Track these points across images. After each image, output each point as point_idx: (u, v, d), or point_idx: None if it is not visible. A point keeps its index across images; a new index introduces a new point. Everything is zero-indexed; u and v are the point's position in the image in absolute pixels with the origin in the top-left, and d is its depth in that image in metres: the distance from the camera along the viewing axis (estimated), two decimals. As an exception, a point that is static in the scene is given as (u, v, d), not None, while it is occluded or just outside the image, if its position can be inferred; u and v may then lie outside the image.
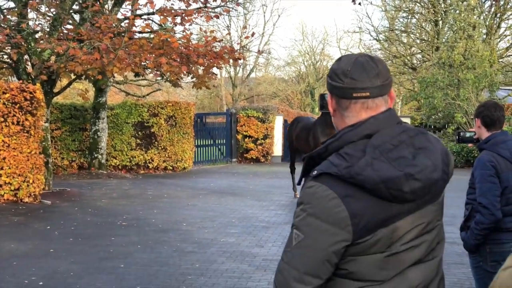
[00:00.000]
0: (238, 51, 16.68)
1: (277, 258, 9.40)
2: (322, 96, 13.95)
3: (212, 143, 27.65)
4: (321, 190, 2.13)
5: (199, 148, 26.51)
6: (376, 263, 2.15)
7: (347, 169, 2.10)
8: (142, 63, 15.63)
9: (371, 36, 43.85)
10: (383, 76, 2.25)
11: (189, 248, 10.14)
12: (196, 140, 25.27)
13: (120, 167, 22.81)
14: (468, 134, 5.42)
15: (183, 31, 16.47)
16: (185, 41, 16.18)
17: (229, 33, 24.20)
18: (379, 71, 2.24)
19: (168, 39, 15.61)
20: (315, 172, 2.18)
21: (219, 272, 8.64)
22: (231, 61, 16.81)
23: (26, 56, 16.35)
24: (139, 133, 22.88)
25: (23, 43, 15.47)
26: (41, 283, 8.01)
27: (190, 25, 16.59)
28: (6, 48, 16.20)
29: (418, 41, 36.37)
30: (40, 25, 16.71)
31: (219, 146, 27.90)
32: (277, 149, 28.42)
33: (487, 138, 4.95)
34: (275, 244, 10.46)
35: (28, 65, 16.72)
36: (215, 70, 17.42)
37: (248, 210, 14.02)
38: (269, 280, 8.22)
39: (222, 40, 17.38)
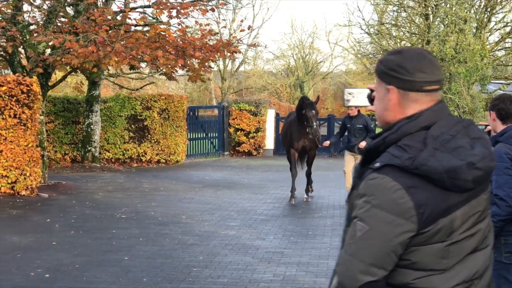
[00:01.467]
0: (234, 44, 16.68)
1: (280, 250, 9.48)
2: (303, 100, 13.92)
3: (204, 136, 27.62)
4: (385, 182, 2.16)
5: (191, 142, 26.48)
6: (438, 253, 2.19)
7: (409, 160, 2.15)
8: (138, 56, 15.59)
9: (362, 29, 43.84)
10: (441, 69, 2.35)
11: (191, 240, 10.18)
12: (188, 133, 25.25)
13: (113, 160, 22.78)
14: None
15: (179, 24, 16.44)
16: (181, 34, 16.16)
17: (224, 26, 24.08)
18: (439, 65, 2.33)
19: (164, 32, 15.60)
20: (377, 164, 2.22)
21: (224, 265, 8.68)
22: (227, 54, 16.81)
23: (20, 49, 16.29)
24: (132, 126, 22.84)
25: (18, 35, 15.41)
26: (47, 275, 8.03)
27: (186, 18, 16.57)
28: (1, 40, 16.13)
29: (408, 34, 36.46)
30: (34, 18, 16.63)
31: (211, 139, 27.87)
32: (269, 142, 28.43)
33: (502, 130, 5.01)
34: (276, 237, 10.51)
35: (22, 57, 16.65)
36: (210, 63, 17.40)
37: (245, 203, 14.06)
38: (274, 272, 8.28)
39: (217, 33, 17.36)
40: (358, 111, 13.74)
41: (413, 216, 2.13)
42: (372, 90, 2.68)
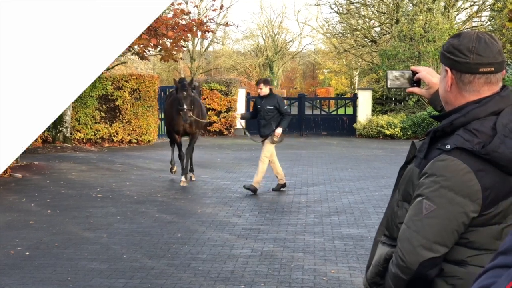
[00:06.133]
0: (206, 24, 16.70)
1: (256, 227, 9.63)
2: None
3: (175, 116, 27.57)
4: (455, 164, 2.27)
5: (162, 121, 26.44)
6: (494, 234, 2.32)
7: (479, 145, 2.26)
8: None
9: (332, 8, 43.93)
10: (502, 53, 2.42)
11: (168, 218, 10.28)
12: (159, 113, 25.24)
13: (84, 140, 22.73)
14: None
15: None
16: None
17: (197, 6, 23.98)
18: (500, 48, 2.40)
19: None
20: (448, 146, 2.31)
21: (202, 241, 8.80)
22: (199, 33, 16.85)
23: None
24: (103, 106, 22.79)
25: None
26: (27, 253, 8.08)
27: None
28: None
29: (377, 13, 36.70)
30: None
31: (183, 119, 27.82)
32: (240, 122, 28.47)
33: None
34: (252, 214, 10.65)
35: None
36: (182, 42, 17.42)
37: (220, 182, 14.18)
38: (252, 248, 8.42)
39: (190, 13, 17.37)
40: (270, 89, 12.71)
41: (479, 198, 2.25)
42: (414, 72, 2.75)
